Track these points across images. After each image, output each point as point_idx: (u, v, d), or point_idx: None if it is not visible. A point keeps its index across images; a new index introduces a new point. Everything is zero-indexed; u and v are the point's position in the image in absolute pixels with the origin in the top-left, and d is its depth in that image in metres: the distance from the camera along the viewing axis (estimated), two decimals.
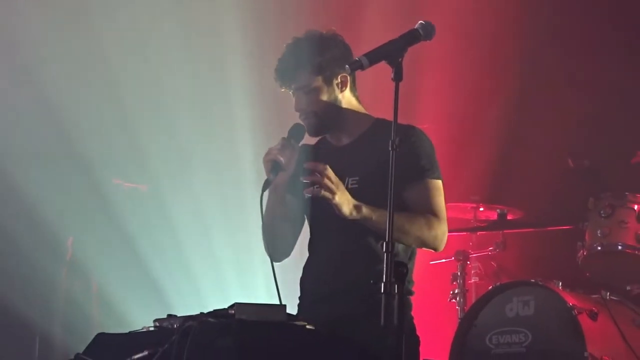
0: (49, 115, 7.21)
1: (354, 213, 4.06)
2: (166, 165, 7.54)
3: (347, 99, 4.40)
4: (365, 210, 4.06)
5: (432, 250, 4.29)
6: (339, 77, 4.34)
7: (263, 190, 4.21)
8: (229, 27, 7.46)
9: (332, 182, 4.01)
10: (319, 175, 4.00)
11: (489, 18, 7.59)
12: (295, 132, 4.31)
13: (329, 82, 4.33)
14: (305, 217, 4.48)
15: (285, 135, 4.28)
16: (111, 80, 7.38)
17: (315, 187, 4.01)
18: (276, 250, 4.37)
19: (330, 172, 4.02)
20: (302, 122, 4.35)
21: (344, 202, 4.03)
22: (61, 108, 7.25)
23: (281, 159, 4.21)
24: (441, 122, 7.18)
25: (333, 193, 4.00)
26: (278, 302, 3.95)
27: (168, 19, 7.47)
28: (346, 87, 4.38)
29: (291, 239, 4.50)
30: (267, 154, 4.24)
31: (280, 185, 4.32)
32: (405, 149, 3.97)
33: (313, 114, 4.34)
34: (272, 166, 4.22)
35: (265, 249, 4.35)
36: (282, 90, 4.41)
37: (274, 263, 4.19)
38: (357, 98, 4.45)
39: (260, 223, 4.29)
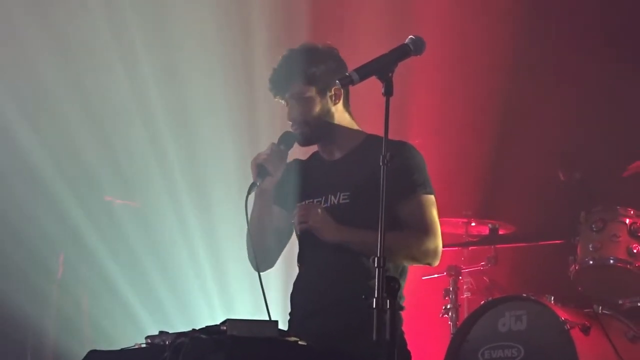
0: (40, 132, 7.21)
1: (336, 236, 4.12)
2: (157, 182, 7.52)
3: (340, 112, 4.41)
4: (346, 234, 4.09)
5: (427, 265, 4.29)
6: (333, 89, 4.35)
7: (248, 194, 4.25)
8: (215, 43, 7.46)
9: (304, 214, 4.09)
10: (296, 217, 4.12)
11: (479, 32, 7.61)
12: (285, 139, 4.34)
13: (322, 93, 4.34)
14: (294, 230, 4.48)
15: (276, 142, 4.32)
16: (102, 97, 7.38)
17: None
18: (260, 258, 4.34)
19: (302, 208, 4.17)
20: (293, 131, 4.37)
21: (323, 226, 4.10)
22: (53, 125, 7.25)
23: (268, 163, 4.25)
24: (432, 137, 7.19)
25: (308, 221, 4.08)
26: (267, 317, 3.95)
27: (153, 36, 7.47)
28: (339, 100, 4.39)
29: (276, 250, 4.50)
30: (254, 159, 4.30)
31: (267, 190, 4.34)
32: (398, 164, 3.97)
33: (305, 123, 4.35)
34: (259, 171, 4.27)
35: (249, 257, 4.35)
36: (276, 99, 4.43)
37: (262, 278, 4.20)
38: (350, 113, 4.46)
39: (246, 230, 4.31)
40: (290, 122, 4.39)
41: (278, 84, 4.37)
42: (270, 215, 4.41)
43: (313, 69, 4.32)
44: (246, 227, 4.32)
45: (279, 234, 4.49)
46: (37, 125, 7.22)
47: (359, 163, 4.27)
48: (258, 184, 4.27)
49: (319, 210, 4.11)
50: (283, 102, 4.41)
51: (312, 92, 4.34)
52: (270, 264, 4.51)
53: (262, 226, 4.39)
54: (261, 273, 4.31)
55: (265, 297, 4.08)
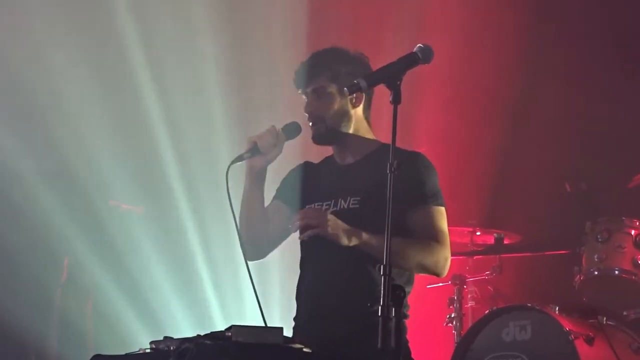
0: (47, 137, 7.22)
1: (354, 240, 4.07)
2: (162, 187, 7.53)
3: (358, 116, 4.42)
4: (364, 235, 4.07)
5: (435, 276, 4.29)
6: (348, 94, 4.35)
7: (231, 163, 4.25)
8: (211, 49, 7.48)
9: (313, 218, 4.04)
10: (302, 222, 4.05)
11: (486, 43, 7.62)
12: (289, 128, 4.37)
13: (343, 93, 4.34)
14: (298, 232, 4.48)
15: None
16: (109, 103, 7.39)
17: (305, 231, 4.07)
18: (248, 241, 4.36)
19: (308, 212, 4.11)
20: (308, 134, 4.37)
21: (339, 231, 4.04)
22: (60, 130, 7.26)
23: (261, 141, 4.27)
24: (438, 145, 7.18)
25: (322, 227, 4.02)
26: (263, 321, 3.96)
27: (157, 42, 7.48)
28: (359, 104, 4.40)
29: (266, 240, 4.49)
30: (250, 136, 4.32)
31: (255, 168, 4.35)
32: (410, 174, 4.01)
33: (321, 119, 4.36)
34: (250, 147, 4.28)
35: (239, 238, 4.32)
36: (298, 92, 4.43)
37: (265, 283, 4.20)
38: (369, 121, 4.47)
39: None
40: (307, 115, 4.39)
41: (302, 76, 4.40)
42: (260, 196, 4.41)
43: (340, 67, 4.35)
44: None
45: (278, 229, 4.47)
46: (45, 128, 7.22)
47: (372, 170, 4.25)
48: (245, 158, 4.30)
49: (329, 216, 4.08)
50: (304, 96, 4.42)
51: (333, 89, 4.36)
52: (260, 254, 4.51)
53: (250, 207, 4.39)
54: (261, 273, 4.32)
55: (259, 301, 4.09)
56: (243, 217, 4.38)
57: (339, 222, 4.07)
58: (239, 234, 4.32)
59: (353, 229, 4.08)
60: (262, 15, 7.64)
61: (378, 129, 4.47)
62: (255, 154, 4.31)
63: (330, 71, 4.35)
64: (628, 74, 7.21)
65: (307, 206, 4.37)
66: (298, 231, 4.20)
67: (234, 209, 4.24)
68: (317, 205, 4.34)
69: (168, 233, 7.52)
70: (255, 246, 4.47)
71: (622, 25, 7.42)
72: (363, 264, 4.18)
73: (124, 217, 7.57)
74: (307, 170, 4.49)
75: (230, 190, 4.19)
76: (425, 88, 7.09)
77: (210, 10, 7.45)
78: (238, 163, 4.30)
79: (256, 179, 4.38)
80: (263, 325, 3.89)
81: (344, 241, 4.05)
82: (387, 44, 7.05)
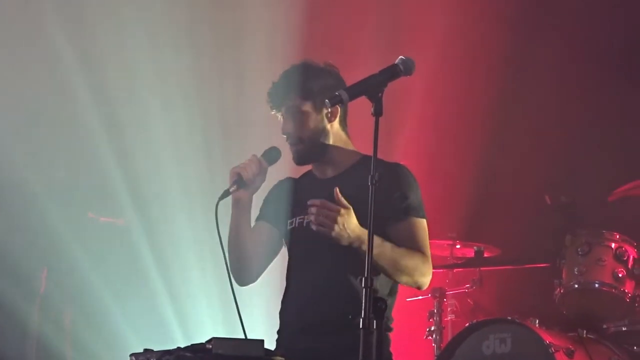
0: (24, 147, 7.19)
1: (355, 244, 4.04)
2: (142, 199, 7.50)
3: (335, 130, 4.41)
4: (364, 247, 4.05)
5: (416, 288, 4.28)
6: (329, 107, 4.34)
7: (219, 199, 4.25)
8: (205, 60, 7.48)
9: (328, 215, 3.99)
10: (316, 211, 4.00)
11: (467, 55, 7.64)
12: (269, 154, 4.37)
13: (318, 110, 4.34)
14: (286, 248, 4.47)
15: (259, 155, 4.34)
16: (86, 115, 7.37)
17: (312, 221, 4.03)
18: (240, 270, 4.37)
19: (328, 205, 4.00)
20: (287, 149, 4.36)
21: (342, 236, 4.01)
22: (36, 140, 7.23)
23: (245, 173, 4.26)
24: (418, 158, 7.17)
25: (329, 227, 3.98)
26: (243, 335, 3.95)
27: (133, 54, 7.48)
28: (335, 118, 4.39)
29: (257, 264, 4.48)
30: (233, 168, 4.31)
31: (242, 200, 4.35)
32: (392, 186, 4.01)
33: (299, 139, 4.35)
34: (235, 179, 4.27)
35: (229, 268, 4.31)
36: (272, 113, 4.43)
37: (246, 296, 4.18)
38: (347, 133, 4.46)
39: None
40: (285, 137, 4.39)
41: (276, 97, 4.40)
42: (247, 226, 4.40)
43: (310, 84, 4.34)
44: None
45: (266, 250, 4.48)
46: (22, 139, 7.19)
47: (354, 182, 4.20)
48: (231, 191, 4.29)
49: (339, 219, 3.99)
50: (279, 116, 4.42)
51: (308, 107, 4.35)
52: (251, 278, 4.49)
53: (238, 237, 4.38)
54: (243, 287, 4.33)
55: (240, 313, 4.09)
56: (234, 248, 4.37)
57: (350, 225, 4.00)
58: (229, 264, 4.32)
59: (362, 237, 3.99)
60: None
61: (359, 141, 4.46)
62: (241, 187, 4.30)
63: (302, 89, 4.35)
64: (610, 88, 7.25)
65: (289, 220, 4.36)
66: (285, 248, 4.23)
67: (222, 239, 4.24)
68: (299, 219, 4.33)
69: (147, 245, 7.49)
70: (248, 273, 4.46)
71: (606, 38, 7.45)
72: (348, 276, 4.18)
73: (103, 229, 7.54)
74: (288, 186, 4.48)
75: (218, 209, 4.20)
76: (406, 100, 7.11)
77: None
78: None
79: (243, 209, 4.38)
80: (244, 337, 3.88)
81: (343, 243, 4.03)
82: (368, 56, 7.08)
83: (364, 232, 3.96)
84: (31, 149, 7.25)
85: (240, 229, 4.38)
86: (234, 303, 4.11)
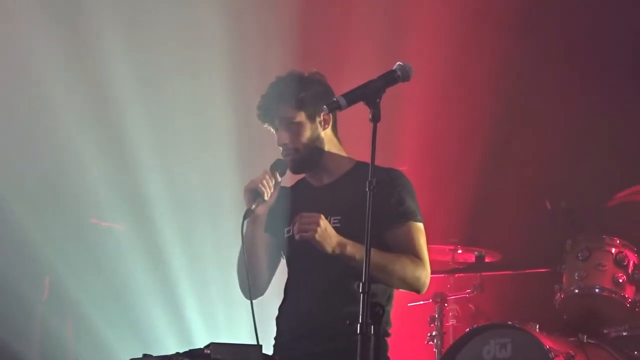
0: (27, 155, 7.20)
1: (337, 250, 4.06)
2: (144, 204, 7.51)
3: (328, 138, 4.41)
4: (349, 248, 4.06)
5: (414, 292, 4.28)
6: (322, 115, 4.34)
7: (244, 219, 4.21)
8: (208, 67, 7.49)
9: (309, 222, 4.01)
10: (296, 225, 4.04)
11: (465, 62, 7.64)
12: (278, 166, 4.32)
13: (312, 118, 4.35)
14: (283, 256, 4.48)
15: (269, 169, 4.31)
16: (90, 119, 7.38)
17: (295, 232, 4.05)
18: (255, 284, 4.33)
19: (305, 214, 4.04)
20: (283, 158, 4.36)
21: (325, 239, 4.03)
22: (41, 147, 7.25)
23: (263, 189, 4.22)
24: (419, 164, 7.20)
25: (312, 231, 4.00)
26: (256, 342, 3.93)
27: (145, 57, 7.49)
28: (328, 125, 4.40)
29: (267, 276, 4.48)
30: (248, 185, 4.26)
31: (260, 216, 4.33)
32: (388, 191, 4.02)
33: (295, 150, 4.35)
34: (254, 196, 4.23)
35: (240, 285, 4.32)
36: (265, 126, 4.42)
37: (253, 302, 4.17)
38: (339, 139, 4.47)
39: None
40: (281, 148, 4.38)
41: (267, 110, 4.37)
42: (262, 241, 4.39)
43: (302, 93, 4.33)
44: (237, 253, 4.32)
45: (273, 261, 4.49)
46: (26, 145, 7.21)
47: (350, 188, 4.25)
48: (253, 208, 4.24)
49: (321, 222, 4.05)
50: (272, 129, 4.40)
51: (301, 116, 4.34)
52: (261, 292, 4.48)
53: (255, 253, 4.37)
54: (237, 294, 4.32)
55: (255, 323, 4.04)
56: (252, 264, 4.33)
57: (330, 230, 4.06)
58: (241, 277, 4.32)
59: (341, 241, 4.07)
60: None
61: (358, 147, 4.47)
62: (261, 204, 4.27)
63: (294, 99, 4.33)
64: (611, 94, 7.25)
65: (286, 229, 4.38)
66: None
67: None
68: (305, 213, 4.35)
69: (150, 250, 7.50)
70: (260, 287, 4.45)
71: (608, 44, 7.46)
72: (346, 281, 4.18)
73: (106, 234, 7.55)
74: (283, 195, 4.47)
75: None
76: (405, 106, 7.11)
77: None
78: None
79: (260, 225, 4.37)
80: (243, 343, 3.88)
81: (328, 249, 4.05)
82: (366, 61, 7.09)
83: (342, 238, 4.04)
84: (32, 153, 7.26)
85: (257, 244, 4.37)
86: (251, 313, 4.06)
